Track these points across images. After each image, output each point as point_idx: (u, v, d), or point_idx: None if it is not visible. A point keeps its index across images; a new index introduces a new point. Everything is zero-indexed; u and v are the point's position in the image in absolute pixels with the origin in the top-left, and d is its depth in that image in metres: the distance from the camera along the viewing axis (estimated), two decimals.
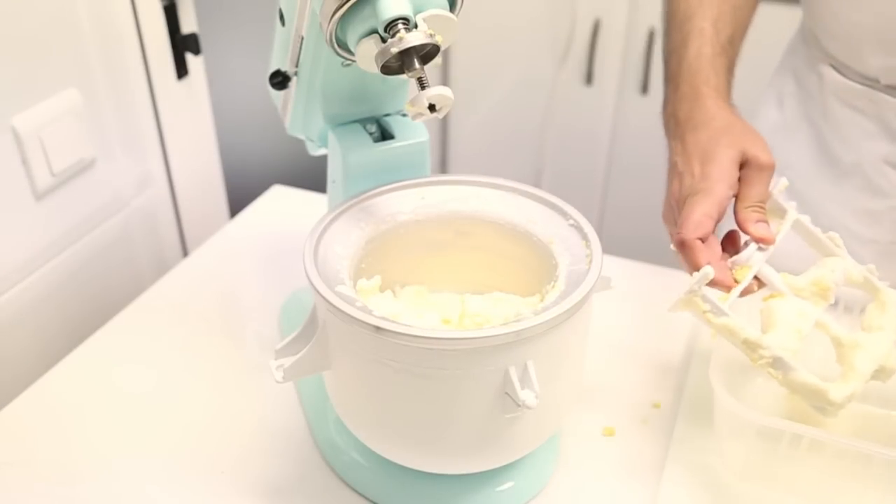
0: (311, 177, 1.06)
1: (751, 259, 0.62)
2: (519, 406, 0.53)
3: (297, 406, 0.74)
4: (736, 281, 0.61)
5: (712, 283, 0.60)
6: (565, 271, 0.59)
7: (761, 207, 0.64)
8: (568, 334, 0.56)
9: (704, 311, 0.59)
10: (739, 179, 0.64)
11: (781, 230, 0.64)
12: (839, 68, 0.85)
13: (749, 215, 0.63)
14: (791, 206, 0.66)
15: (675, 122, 0.71)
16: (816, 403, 0.59)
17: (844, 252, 0.66)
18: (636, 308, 0.85)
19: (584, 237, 0.61)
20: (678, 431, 0.70)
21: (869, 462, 0.59)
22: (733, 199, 0.65)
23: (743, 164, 0.65)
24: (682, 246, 0.62)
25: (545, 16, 1.72)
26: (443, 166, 2.00)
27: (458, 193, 0.67)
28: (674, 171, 0.68)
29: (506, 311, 0.62)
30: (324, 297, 0.54)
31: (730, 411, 0.61)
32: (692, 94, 0.71)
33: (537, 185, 1.92)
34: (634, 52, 1.67)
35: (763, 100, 0.99)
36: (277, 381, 0.57)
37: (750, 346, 0.59)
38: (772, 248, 0.63)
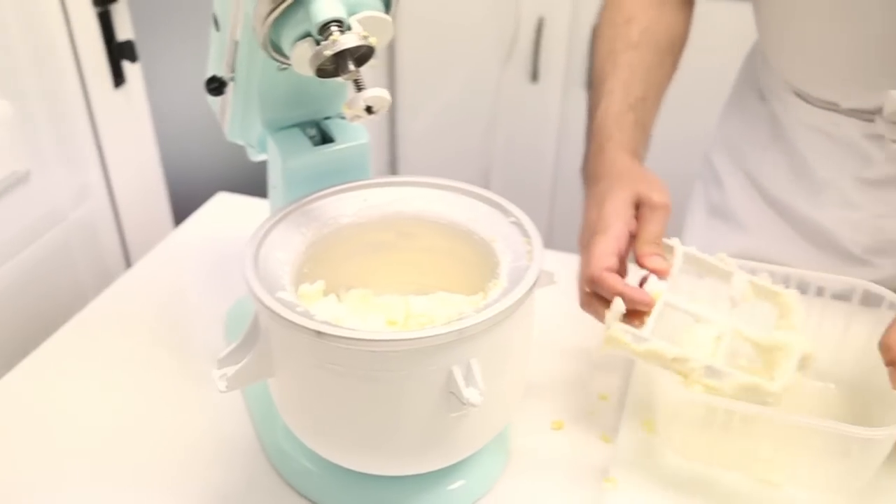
0: (257, 182, 1.05)
1: (654, 290, 0.64)
2: (464, 404, 0.53)
3: (246, 414, 0.73)
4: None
5: (635, 305, 0.62)
6: (507, 268, 0.59)
7: (657, 244, 0.67)
8: (511, 331, 0.56)
9: (627, 343, 0.61)
10: (637, 219, 0.67)
11: (675, 263, 0.67)
12: (801, 94, 0.87)
13: (645, 251, 0.66)
14: (675, 241, 0.68)
15: (585, 180, 0.75)
16: (757, 399, 0.62)
17: (737, 268, 0.69)
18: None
19: (525, 234, 0.61)
20: (625, 421, 0.71)
21: (800, 431, 0.63)
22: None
23: (638, 206, 0.68)
24: (593, 282, 0.64)
25: (489, 15, 1.73)
26: (392, 168, 2.00)
27: (400, 194, 0.67)
28: (582, 224, 0.71)
29: (450, 310, 0.62)
30: (264, 304, 0.54)
31: (670, 392, 0.63)
32: (597, 151, 0.74)
33: (486, 182, 1.93)
34: (578, 49, 1.68)
35: (729, 112, 1.02)
36: (221, 391, 0.56)
37: (680, 362, 0.61)
38: (671, 279, 0.66)
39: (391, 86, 1.89)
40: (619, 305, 0.62)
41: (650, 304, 0.63)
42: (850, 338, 0.71)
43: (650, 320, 0.62)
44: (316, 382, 0.56)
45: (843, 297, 0.72)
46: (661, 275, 0.65)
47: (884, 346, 0.62)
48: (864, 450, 0.62)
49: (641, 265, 0.66)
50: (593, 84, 0.81)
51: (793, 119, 0.90)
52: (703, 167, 1.05)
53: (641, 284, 0.66)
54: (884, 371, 0.62)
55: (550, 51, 1.70)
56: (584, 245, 0.68)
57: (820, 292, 0.72)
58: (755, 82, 0.96)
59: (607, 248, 0.65)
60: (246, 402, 0.74)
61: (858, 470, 0.63)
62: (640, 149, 0.76)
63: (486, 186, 2.11)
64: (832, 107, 0.84)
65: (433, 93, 1.86)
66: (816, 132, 0.88)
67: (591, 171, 0.74)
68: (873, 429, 0.60)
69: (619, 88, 0.77)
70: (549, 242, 2.10)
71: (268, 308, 0.53)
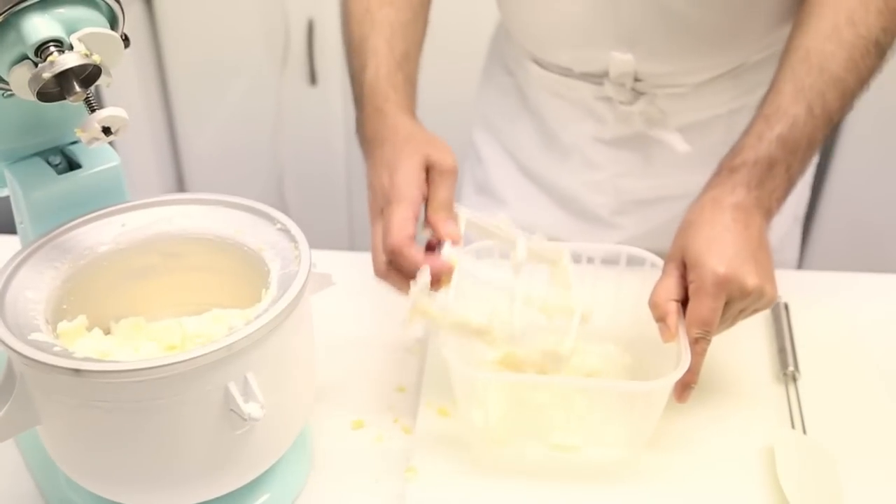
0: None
1: (450, 256, 0.65)
2: (246, 420, 0.52)
3: (25, 469, 0.68)
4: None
5: (437, 275, 0.63)
6: (277, 276, 0.58)
7: (449, 209, 0.68)
8: (286, 338, 0.56)
9: (435, 315, 0.62)
10: (427, 183, 0.68)
11: (461, 228, 0.68)
12: (539, 62, 0.92)
13: (440, 216, 0.67)
14: (461, 207, 0.70)
15: (365, 142, 0.74)
16: (551, 362, 0.65)
17: (515, 231, 0.71)
18: (370, 298, 0.86)
19: (293, 239, 0.61)
20: (421, 410, 0.72)
21: (588, 395, 0.68)
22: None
23: (428, 170, 0.68)
24: (394, 253, 0.64)
25: (258, 21, 1.70)
26: (180, 187, 1.92)
27: (161, 215, 0.65)
28: (369, 189, 0.71)
29: (225, 326, 0.61)
30: (12, 348, 0.50)
31: (466, 376, 0.65)
32: (375, 114, 0.74)
33: (281, 190, 1.90)
34: None
35: (483, 89, 1.06)
36: None
37: (483, 332, 0.63)
38: (462, 243, 0.67)
39: (165, 102, 1.81)
40: (425, 277, 0.62)
41: (451, 271, 0.64)
42: (622, 299, 0.76)
43: (451, 289, 0.63)
44: (85, 423, 0.52)
45: (610, 262, 0.77)
46: (455, 240, 0.66)
47: (652, 304, 0.67)
48: (646, 403, 0.66)
49: (435, 231, 0.67)
50: (352, 44, 0.80)
51: (535, 87, 0.95)
52: (469, 147, 1.09)
53: (429, 247, 0.67)
54: (655, 327, 0.67)
55: (325, 52, 1.69)
56: (378, 213, 0.68)
57: (590, 260, 0.76)
58: (502, 57, 1.01)
59: (405, 216, 0.65)
60: (22, 455, 0.69)
61: (643, 421, 0.67)
62: (413, 107, 0.77)
63: (281, 194, 2.04)
64: (567, 72, 0.90)
65: (212, 105, 1.80)
66: (556, 97, 0.93)
67: (372, 134, 0.73)
68: (649, 382, 0.64)
69: (383, 46, 0.77)
70: (351, 242, 2.06)
71: (17, 352, 0.50)
